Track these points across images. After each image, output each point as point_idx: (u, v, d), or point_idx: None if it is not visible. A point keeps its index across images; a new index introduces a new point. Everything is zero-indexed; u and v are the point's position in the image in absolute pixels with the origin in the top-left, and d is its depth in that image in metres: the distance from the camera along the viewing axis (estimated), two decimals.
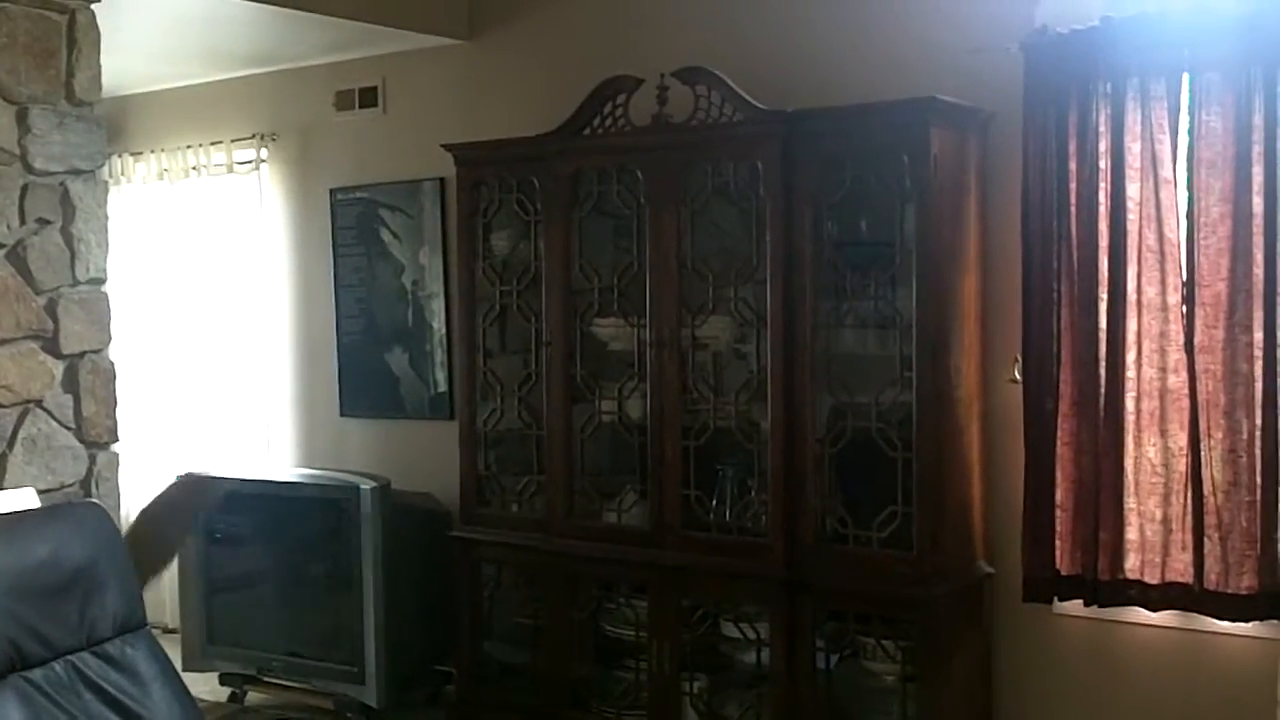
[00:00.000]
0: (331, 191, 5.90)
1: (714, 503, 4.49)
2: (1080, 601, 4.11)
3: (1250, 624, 3.88)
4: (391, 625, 5.12)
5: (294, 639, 5.42)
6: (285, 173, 6.08)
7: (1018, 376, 4.17)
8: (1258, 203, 3.76)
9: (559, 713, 4.77)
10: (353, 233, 5.84)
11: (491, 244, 4.99)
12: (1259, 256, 3.77)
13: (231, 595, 5.62)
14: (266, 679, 5.51)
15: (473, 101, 5.42)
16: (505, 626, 5.05)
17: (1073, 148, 4.02)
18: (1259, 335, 3.79)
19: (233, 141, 6.13)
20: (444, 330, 5.55)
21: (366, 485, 5.11)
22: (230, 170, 6.17)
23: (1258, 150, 3.75)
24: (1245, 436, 3.83)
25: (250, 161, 6.12)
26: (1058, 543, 4.11)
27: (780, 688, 4.30)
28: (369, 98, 5.74)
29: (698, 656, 4.57)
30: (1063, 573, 4.11)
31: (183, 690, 3.26)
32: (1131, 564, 4.02)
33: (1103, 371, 4.01)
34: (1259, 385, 3.79)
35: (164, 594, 6.22)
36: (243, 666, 5.55)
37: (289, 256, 6.12)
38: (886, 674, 4.22)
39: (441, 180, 5.46)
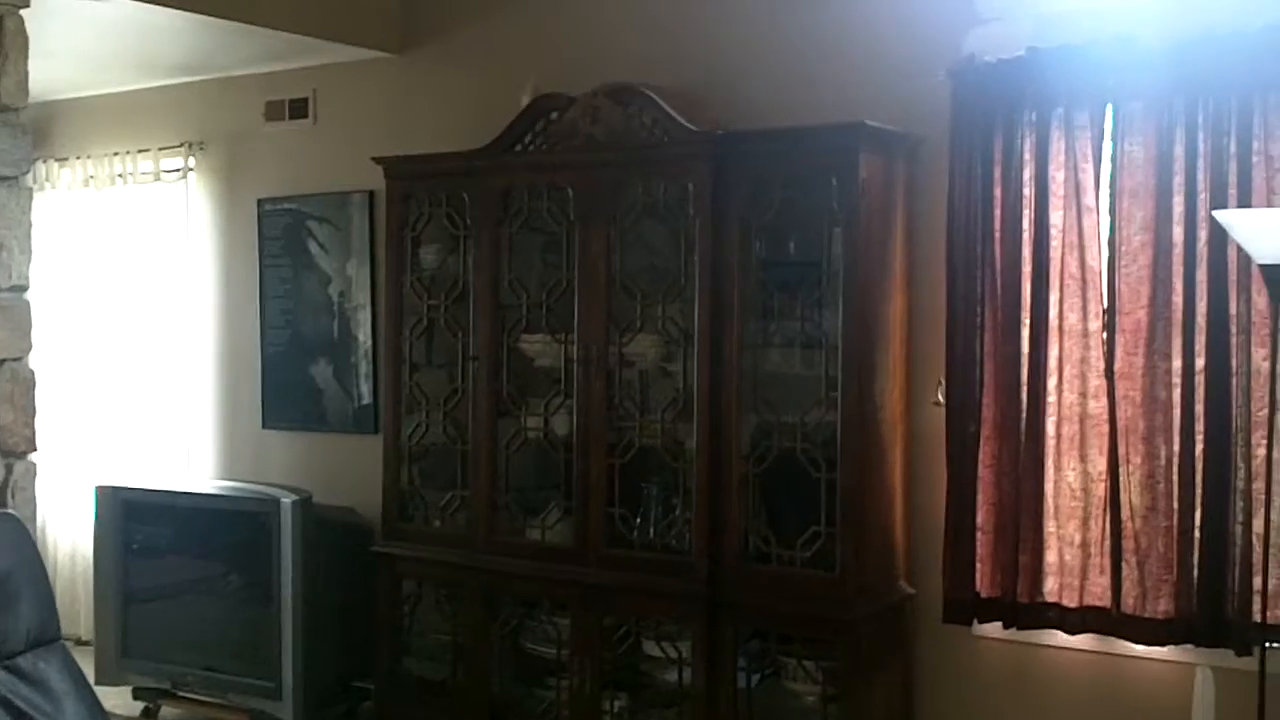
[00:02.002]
0: (259, 202, 5.78)
1: (638, 521, 4.41)
2: (1000, 624, 4.08)
3: (1166, 648, 3.86)
4: (310, 640, 4.99)
5: (210, 653, 5.27)
6: (213, 182, 5.95)
7: (941, 399, 4.14)
8: (1178, 232, 3.76)
9: None
10: (280, 243, 5.71)
11: (420, 257, 4.90)
12: (1179, 285, 3.77)
13: (147, 608, 5.45)
14: (181, 693, 5.35)
15: (403, 115, 5.33)
16: (425, 643, 4.94)
17: (998, 175, 4.01)
18: (1178, 363, 3.78)
19: (160, 149, 6.00)
20: (370, 343, 5.44)
21: (287, 499, 4.98)
22: (157, 178, 6.04)
23: (1179, 180, 3.75)
24: (1163, 463, 3.82)
25: (177, 170, 5.99)
26: (978, 565, 4.08)
27: (701, 707, 4.22)
28: (299, 108, 5.63)
29: (619, 675, 4.48)
30: (983, 595, 4.08)
31: (95, 705, 3.16)
32: (1050, 587, 4.00)
33: (1024, 396, 4.00)
34: (1177, 412, 3.79)
35: (78, 605, 6.05)
36: (157, 680, 5.39)
37: (215, 266, 5.97)
38: (807, 694, 4.16)
39: (371, 193, 5.35)
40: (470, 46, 5.22)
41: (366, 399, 5.47)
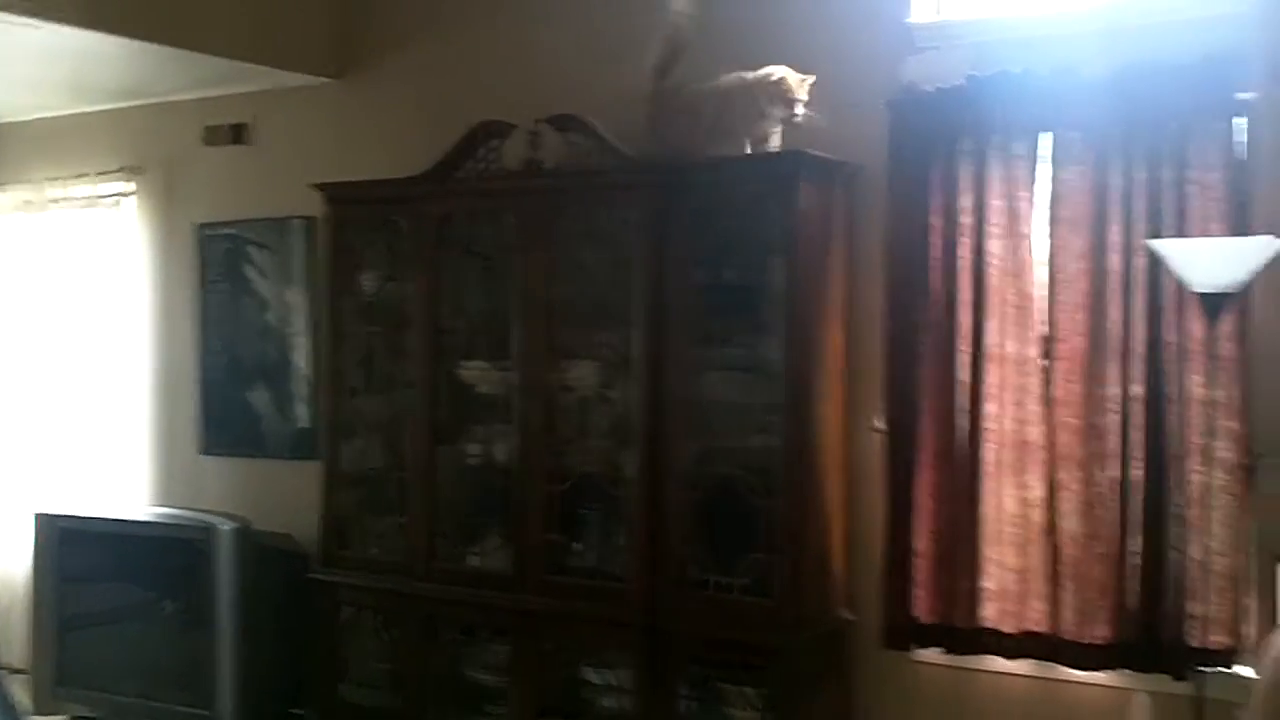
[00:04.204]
0: (198, 227, 5.56)
1: (577, 547, 4.26)
2: (939, 649, 3.96)
3: (1103, 673, 3.75)
4: (247, 668, 4.78)
5: (147, 681, 5.04)
6: (151, 207, 5.71)
7: (880, 426, 4.01)
8: (1115, 260, 3.66)
9: None
10: (218, 269, 5.50)
11: (359, 283, 4.74)
12: (1115, 313, 3.67)
13: (83, 635, 5.22)
14: None
15: (343, 141, 5.15)
16: (363, 670, 4.73)
17: (936, 203, 3.90)
18: (1114, 390, 3.68)
19: (98, 174, 5.78)
20: (308, 369, 5.24)
21: (224, 526, 4.78)
22: (95, 203, 5.83)
23: (1115, 209, 3.66)
24: (1101, 489, 3.71)
25: (115, 195, 5.78)
26: (917, 591, 3.95)
27: None
28: (238, 134, 5.43)
29: (557, 701, 4.31)
30: (922, 621, 3.95)
31: None
32: (989, 613, 3.87)
33: (963, 422, 3.88)
34: (1114, 439, 3.69)
35: (12, 633, 5.78)
36: (93, 709, 5.16)
37: (153, 291, 5.74)
38: None
39: (310, 219, 5.15)
40: (410, 73, 5.06)
41: (305, 424, 5.26)
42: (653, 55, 4.12)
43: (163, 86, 5.32)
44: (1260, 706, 2.66)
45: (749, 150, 3.99)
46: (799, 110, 3.93)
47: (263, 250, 5.37)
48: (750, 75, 3.97)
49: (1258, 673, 2.72)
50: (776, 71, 3.93)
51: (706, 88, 4.05)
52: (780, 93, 3.92)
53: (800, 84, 3.92)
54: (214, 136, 5.47)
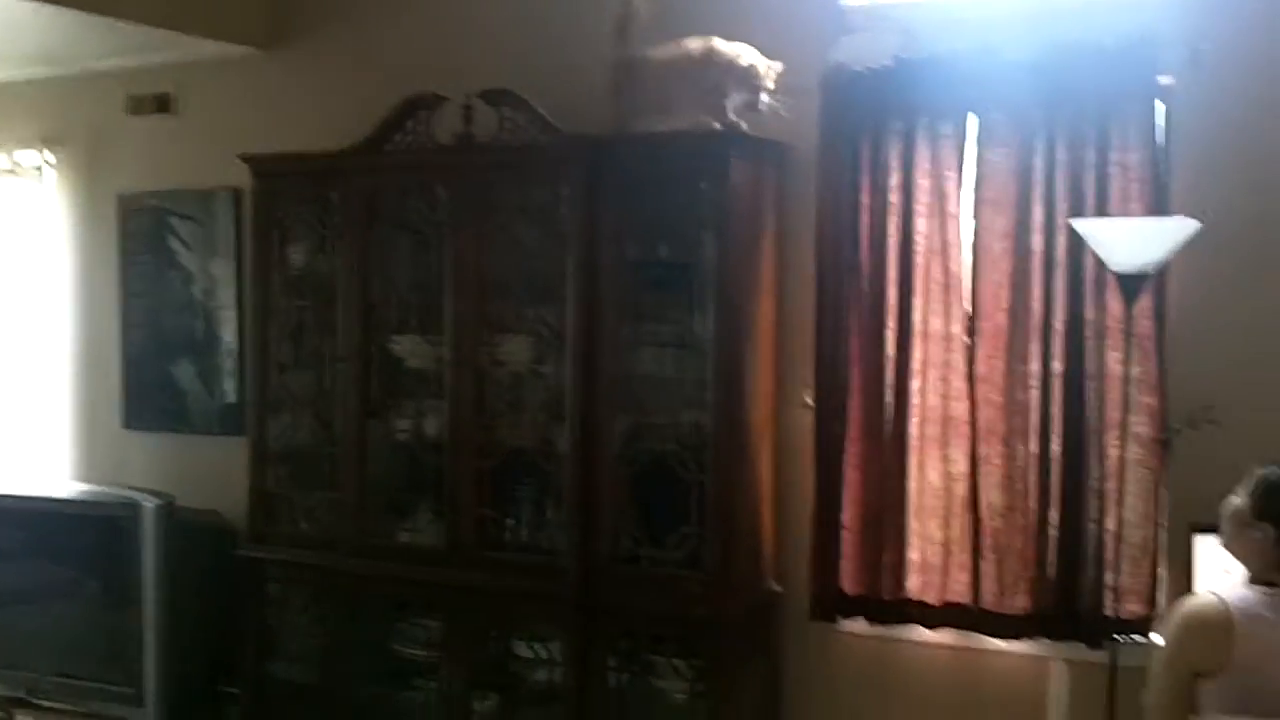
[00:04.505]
0: (120, 198, 5.47)
1: (509, 523, 4.27)
2: (864, 620, 4.03)
3: (1023, 642, 3.86)
4: (172, 645, 4.73)
5: (68, 660, 4.95)
6: (72, 178, 5.61)
7: (809, 401, 4.07)
8: (1037, 240, 3.74)
9: None
10: (142, 241, 5.41)
11: (287, 257, 4.68)
12: (1037, 292, 3.75)
13: (4, 614, 5.11)
14: (37, 701, 5.00)
15: (271, 112, 5.09)
16: (293, 646, 4.71)
17: (865, 182, 3.96)
18: (1035, 366, 3.77)
19: (17, 145, 5.67)
20: (235, 343, 5.18)
21: (149, 503, 4.71)
22: (13, 174, 5.71)
23: (1038, 190, 3.74)
24: (1021, 463, 3.81)
25: (35, 165, 5.66)
26: (844, 563, 4.02)
27: (571, 706, 4.10)
28: (162, 103, 5.34)
29: (489, 676, 4.33)
30: (848, 592, 4.03)
31: None
32: (913, 584, 3.96)
33: (889, 398, 3.95)
34: (1035, 414, 3.78)
35: None
36: (11, 688, 5.04)
37: (74, 264, 5.64)
38: (677, 692, 4.06)
39: (236, 190, 5.10)
40: (340, 44, 5.01)
41: (231, 399, 5.21)
42: (612, 23, 4.11)
43: (84, 54, 5.21)
44: (1161, 671, 2.77)
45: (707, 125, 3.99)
46: (764, 99, 3.96)
47: (188, 222, 5.30)
48: (719, 50, 3.96)
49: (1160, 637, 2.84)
50: (747, 55, 3.94)
51: (669, 57, 4.02)
52: (749, 79, 3.93)
53: (768, 71, 3.95)
54: (138, 106, 5.38)
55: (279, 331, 4.69)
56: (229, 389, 5.22)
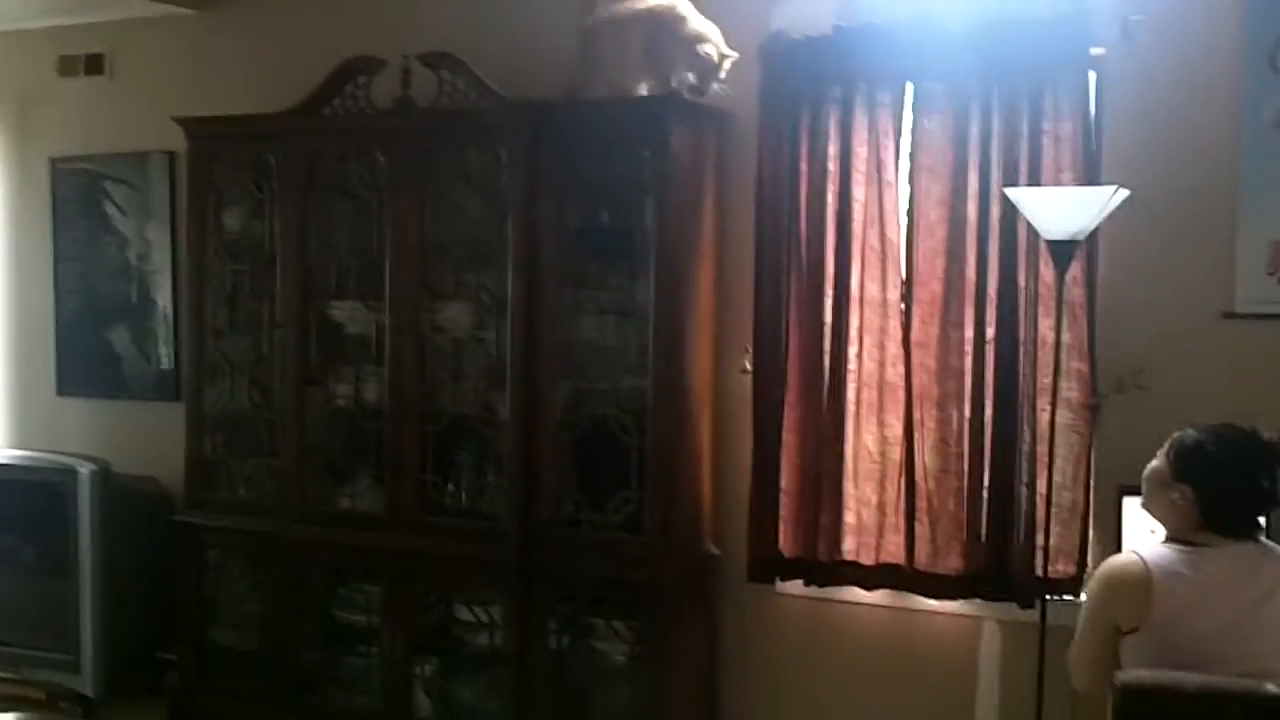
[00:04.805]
0: (52, 161, 5.40)
1: (451, 488, 4.30)
2: (801, 582, 4.10)
3: (956, 602, 3.94)
4: (109, 612, 4.73)
5: (3, 627, 4.94)
6: (2, 140, 5.52)
7: (748, 367, 4.12)
8: (972, 208, 3.81)
9: (287, 699, 4.49)
10: (74, 205, 5.35)
11: (223, 221, 4.66)
12: (971, 259, 3.82)
13: None
14: None
15: (206, 74, 5.03)
16: (232, 613, 4.71)
17: (804, 150, 4.00)
18: (970, 332, 3.84)
19: None
20: (170, 308, 5.15)
21: (84, 469, 4.70)
22: None
23: (974, 158, 3.80)
24: (955, 427, 3.89)
25: None
26: (781, 526, 4.09)
27: (512, 669, 4.15)
28: (95, 64, 5.26)
29: (430, 640, 4.36)
30: (785, 554, 4.10)
31: None
32: (849, 546, 4.04)
33: (827, 364, 4.01)
34: (968, 380, 3.85)
35: None
36: None
37: (5, 228, 5.57)
38: (616, 654, 4.11)
39: (171, 153, 5.05)
40: (277, 4, 4.94)
41: (167, 365, 5.18)
42: None
43: (13, 13, 5.13)
44: (1084, 627, 2.87)
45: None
46: (714, 87, 3.99)
47: (122, 186, 5.24)
48: (682, 24, 3.96)
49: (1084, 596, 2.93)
50: (708, 44, 3.95)
51: (625, 17, 4.02)
52: (706, 67, 3.96)
53: (724, 62, 3.98)
54: (69, 67, 5.31)
55: (215, 297, 4.67)
56: (164, 355, 5.18)
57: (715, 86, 3.98)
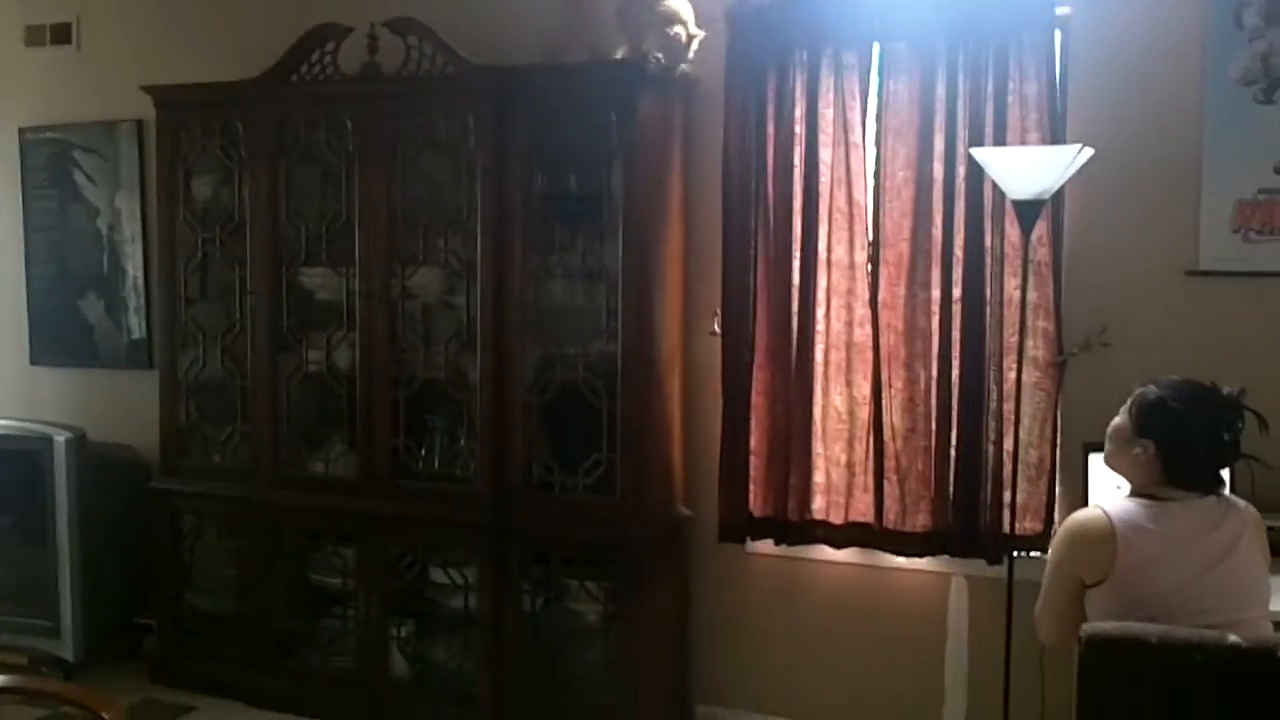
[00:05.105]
0: (20, 131, 5.32)
1: (423, 452, 4.28)
2: (771, 541, 4.11)
3: (924, 559, 3.95)
4: (88, 578, 4.70)
5: None
6: None
7: (717, 330, 4.11)
8: (938, 169, 3.79)
9: (265, 661, 4.48)
10: (44, 174, 5.28)
11: (193, 189, 4.62)
12: (938, 219, 3.81)
13: None
14: None
15: (173, 42, 4.96)
16: (209, 577, 4.70)
17: (771, 113, 3.97)
18: (936, 293, 3.83)
19: None
20: (141, 277, 5.09)
21: (60, 436, 4.66)
22: None
23: (940, 119, 3.78)
24: (922, 387, 3.88)
25: None
26: (751, 487, 4.09)
27: (487, 630, 4.15)
28: (62, 34, 5.19)
29: (405, 602, 4.35)
30: (756, 515, 4.10)
31: None
32: (818, 505, 4.04)
33: (795, 325, 4.00)
34: (935, 339, 3.85)
35: None
36: None
37: None
38: (590, 614, 4.12)
39: (139, 122, 4.99)
40: None
41: (138, 334, 5.13)
42: None
43: None
44: (1049, 580, 2.87)
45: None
46: (681, 67, 3.97)
47: (91, 155, 5.18)
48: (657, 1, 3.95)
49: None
50: (678, 25, 3.92)
51: None
52: (674, 49, 3.93)
53: (692, 43, 3.95)
54: (36, 37, 5.23)
55: (186, 265, 4.62)
56: (136, 323, 5.13)
57: (683, 67, 3.95)
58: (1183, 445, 2.75)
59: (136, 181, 5.08)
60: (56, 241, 5.29)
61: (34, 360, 5.40)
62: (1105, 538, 2.71)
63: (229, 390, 4.58)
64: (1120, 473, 2.89)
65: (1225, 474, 2.85)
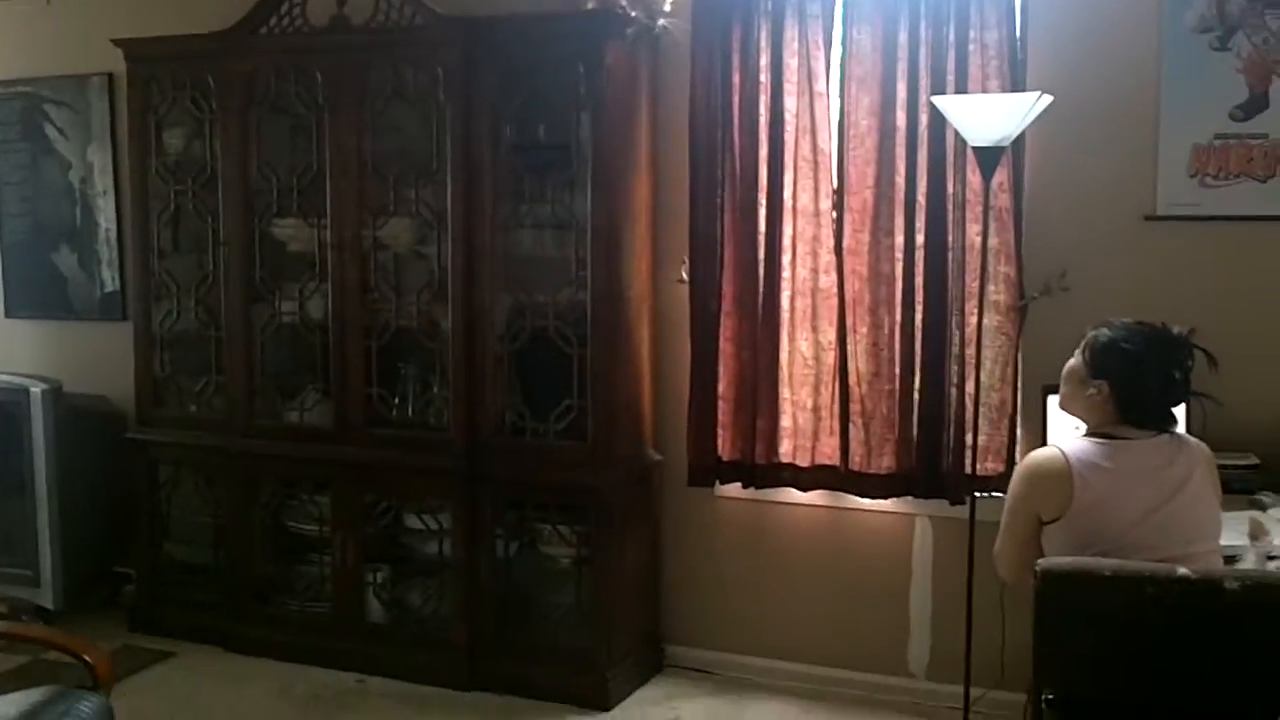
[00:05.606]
0: None
1: (396, 400, 4.29)
2: (740, 484, 4.14)
3: (889, 501, 3.99)
4: (67, 528, 4.69)
5: None
6: None
7: (685, 277, 4.12)
8: (901, 117, 3.80)
9: (242, 608, 4.50)
10: (15, 128, 5.22)
11: (164, 142, 4.59)
12: (901, 167, 3.82)
13: None
14: None
15: None
16: (186, 526, 4.71)
17: (736, 62, 3.97)
18: (900, 239, 3.85)
19: None
20: (114, 229, 5.05)
21: (36, 388, 4.64)
22: None
23: (902, 67, 3.78)
24: (886, 332, 3.91)
25: None
26: (720, 431, 4.12)
27: (462, 575, 4.17)
28: None
29: (380, 548, 4.38)
30: (724, 459, 4.13)
31: None
32: (786, 449, 4.07)
33: (761, 272, 4.01)
34: (899, 285, 3.87)
35: None
36: None
37: None
38: (563, 557, 4.15)
39: (110, 75, 4.93)
40: None
41: (111, 286, 5.10)
42: None
43: None
44: (1007, 518, 2.90)
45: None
46: (659, 22, 3.95)
47: (62, 109, 5.12)
48: None
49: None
50: None
51: None
52: (651, 7, 3.92)
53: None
54: None
55: (159, 218, 4.60)
56: (108, 276, 5.10)
57: (661, 22, 3.95)
58: (1136, 385, 2.78)
59: (108, 135, 5.02)
60: (29, 195, 5.24)
61: (8, 313, 5.35)
62: (1061, 475, 2.75)
63: (203, 341, 4.57)
64: (1075, 414, 2.92)
65: (1178, 413, 2.88)
